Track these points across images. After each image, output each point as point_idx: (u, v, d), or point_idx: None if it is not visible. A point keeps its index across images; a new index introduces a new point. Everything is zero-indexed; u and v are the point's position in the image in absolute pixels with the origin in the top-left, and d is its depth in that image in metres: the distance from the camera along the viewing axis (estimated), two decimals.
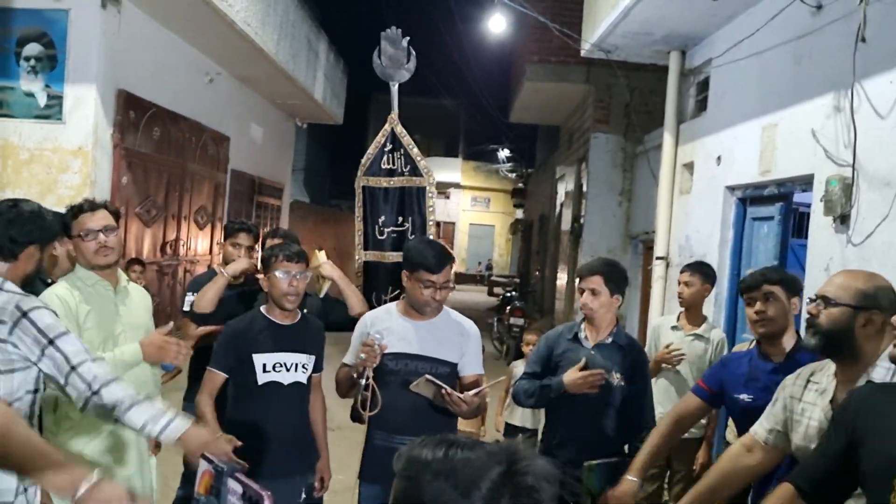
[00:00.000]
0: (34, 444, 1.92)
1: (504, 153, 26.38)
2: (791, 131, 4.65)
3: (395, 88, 4.21)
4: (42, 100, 6.72)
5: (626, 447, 3.22)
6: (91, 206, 2.90)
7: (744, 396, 2.79)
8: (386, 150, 4.09)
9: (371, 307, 3.96)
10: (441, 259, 2.99)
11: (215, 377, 3.03)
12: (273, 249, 3.09)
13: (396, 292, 3.94)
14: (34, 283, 2.50)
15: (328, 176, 26.30)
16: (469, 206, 31.14)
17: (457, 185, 30.28)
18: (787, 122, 4.73)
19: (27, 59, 6.68)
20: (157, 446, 3.16)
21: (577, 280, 3.31)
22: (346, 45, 14.35)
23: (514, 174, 25.86)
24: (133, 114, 7.45)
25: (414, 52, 4.23)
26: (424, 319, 3.08)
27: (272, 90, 11.48)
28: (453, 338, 3.10)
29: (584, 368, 3.09)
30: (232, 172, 10.70)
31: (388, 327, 3.05)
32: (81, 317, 2.75)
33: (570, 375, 3.07)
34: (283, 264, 2.99)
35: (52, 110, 6.72)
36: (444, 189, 30.47)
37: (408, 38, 4.20)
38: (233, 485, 1.33)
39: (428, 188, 4.04)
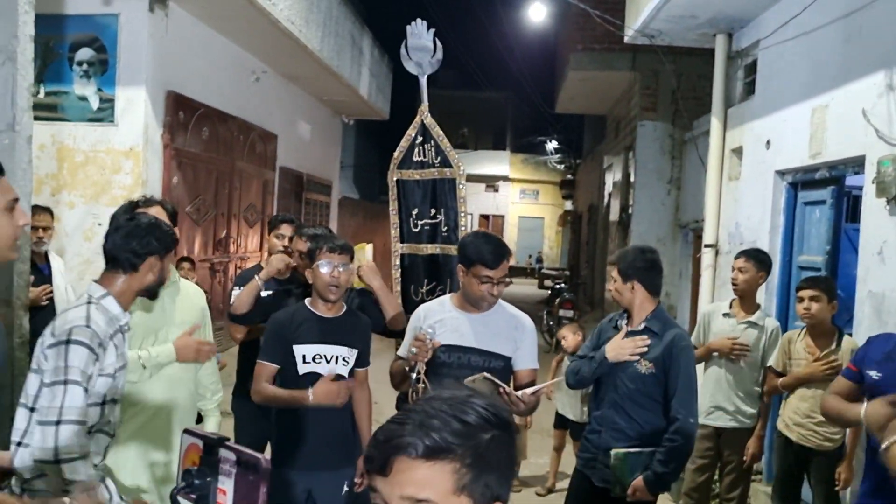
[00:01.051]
0: None
1: (552, 144, 26.20)
2: (842, 112, 4.52)
3: (423, 80, 4.22)
4: (95, 103, 6.91)
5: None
6: (146, 201, 2.96)
7: (873, 373, 2.66)
8: (417, 142, 4.11)
9: (408, 301, 3.99)
10: (498, 254, 2.93)
11: (266, 368, 3.07)
12: (317, 241, 3.12)
13: (433, 284, 3.96)
14: (157, 295, 2.54)
15: (377, 172, 26.47)
16: (518, 198, 31.01)
17: (505, 178, 30.18)
18: (837, 103, 4.59)
19: (80, 63, 6.87)
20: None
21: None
22: (390, 40, 14.39)
23: (562, 165, 25.66)
24: (182, 114, 7.61)
25: (440, 44, 4.22)
26: (478, 312, 3.03)
27: (318, 87, 11.60)
28: (507, 331, 3.04)
29: (608, 364, 3.12)
30: (280, 170, 10.85)
31: (441, 320, 3.03)
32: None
33: (611, 343, 3.10)
34: (327, 255, 3.02)
35: (105, 113, 6.90)
36: (492, 182, 30.42)
37: (433, 30, 4.20)
38: (225, 453, 1.30)
39: (458, 180, 4.03)
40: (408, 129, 4.19)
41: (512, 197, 30.95)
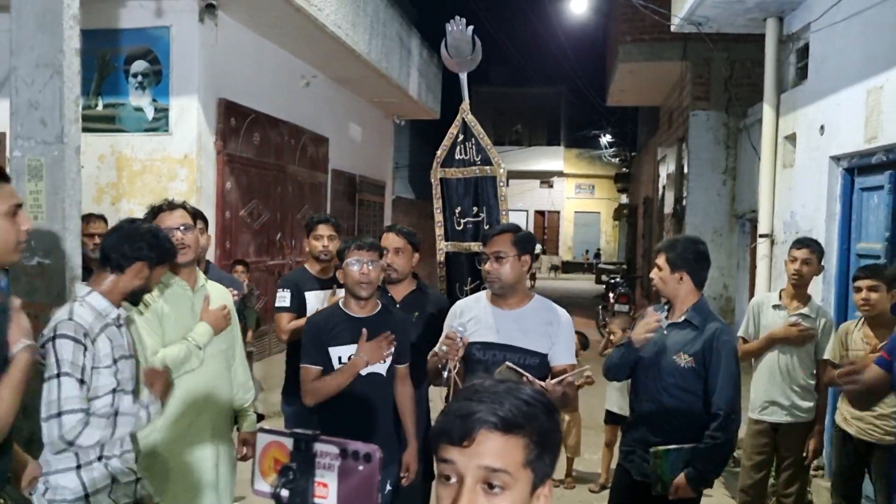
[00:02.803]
0: None
1: (606, 138, 25.90)
2: None
3: (463, 78, 4.22)
4: (150, 113, 7.12)
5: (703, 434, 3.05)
6: (170, 205, 3.03)
7: None
8: (459, 140, 4.13)
9: (453, 298, 4.00)
10: (489, 232, 3.08)
11: (310, 371, 3.09)
12: (346, 241, 3.16)
13: (476, 283, 3.96)
14: (137, 301, 2.63)
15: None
16: (573, 193, 30.76)
17: (560, 174, 29.96)
18: (893, 83, 4.43)
19: (135, 75, 7.09)
20: (245, 447, 3.29)
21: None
22: (439, 40, 14.44)
23: (617, 159, 25.35)
24: (234, 121, 7.78)
25: (479, 42, 4.20)
26: (513, 308, 3.02)
27: (368, 89, 11.70)
28: (541, 327, 3.01)
29: (646, 356, 3.10)
30: (332, 172, 10.98)
31: (475, 316, 3.03)
32: (161, 315, 2.88)
33: (637, 330, 3.07)
34: (355, 253, 3.05)
35: (160, 122, 7.11)
36: (547, 178, 30.24)
37: (472, 27, 4.19)
38: (322, 447, 1.26)
39: (499, 178, 4.03)
40: (449, 128, 4.21)
41: (567, 192, 30.71)
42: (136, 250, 2.45)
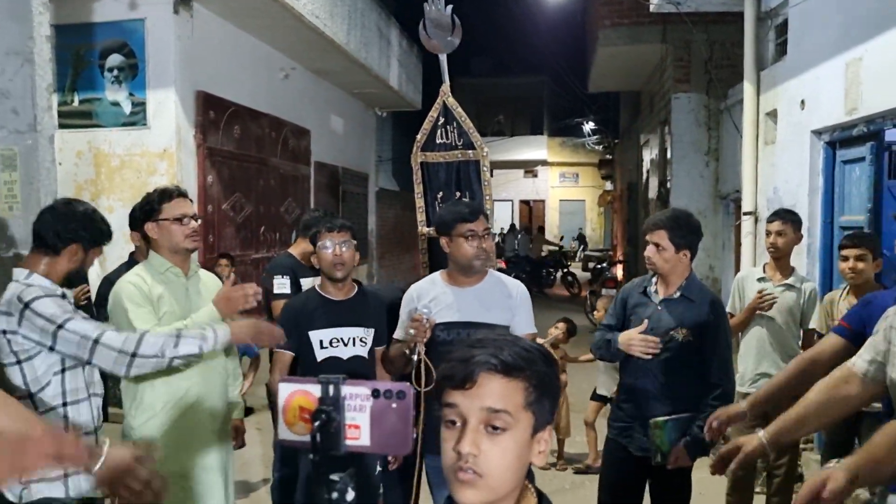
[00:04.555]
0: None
1: (589, 126, 25.89)
2: (877, 64, 4.36)
3: (443, 59, 4.14)
4: (127, 108, 7.02)
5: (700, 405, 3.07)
6: (180, 192, 2.99)
7: None
8: (439, 123, 4.06)
9: None
10: (473, 209, 3.02)
11: (282, 356, 3.09)
12: (317, 226, 3.13)
13: None
14: (76, 282, 2.59)
15: None
16: (558, 182, 30.76)
17: (544, 163, 29.95)
18: (872, 55, 4.43)
19: (110, 69, 6.99)
20: (237, 436, 3.25)
21: (644, 233, 3.19)
22: (417, 30, 14.37)
23: (600, 146, 25.37)
24: (213, 113, 7.70)
25: (458, 21, 4.13)
26: (471, 286, 3.04)
27: (348, 81, 11.62)
28: (501, 300, 3.04)
29: (646, 331, 3.03)
30: (315, 164, 10.91)
31: (434, 297, 3.02)
32: (155, 300, 2.81)
33: (626, 335, 3.02)
34: (326, 236, 3.03)
35: (137, 117, 7.02)
36: (531, 168, 30.22)
37: (451, 6, 4.13)
38: (350, 390, 1.25)
39: (482, 162, 3.98)
40: (430, 112, 4.15)
41: (551, 181, 30.71)
42: (72, 231, 2.41)
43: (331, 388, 1.25)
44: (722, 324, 3.12)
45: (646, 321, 3.04)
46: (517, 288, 3.13)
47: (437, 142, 4.09)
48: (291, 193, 10.00)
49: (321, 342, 3.05)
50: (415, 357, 2.90)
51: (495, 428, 1.18)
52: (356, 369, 3.07)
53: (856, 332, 2.67)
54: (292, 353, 3.07)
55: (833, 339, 2.71)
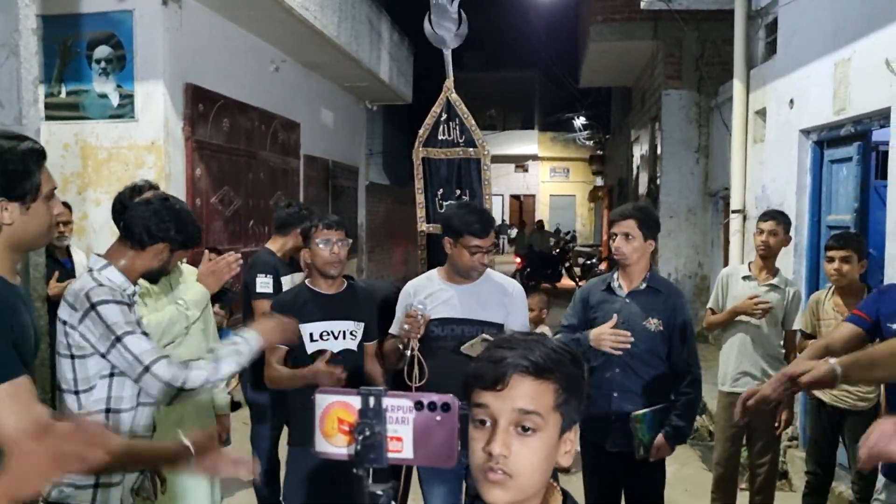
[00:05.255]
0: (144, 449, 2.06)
1: (580, 121, 25.92)
2: (865, 64, 4.37)
3: (448, 54, 4.10)
4: (115, 100, 6.97)
5: (671, 395, 3.15)
6: (150, 186, 2.95)
7: (894, 326, 2.58)
8: (442, 119, 4.04)
9: None
10: (486, 224, 3.00)
11: (276, 350, 3.07)
12: (311, 220, 3.13)
13: None
14: (157, 280, 2.53)
15: (405, 157, 26.43)
16: (548, 177, 30.79)
17: (534, 158, 29.98)
18: (860, 55, 4.45)
19: (98, 61, 6.93)
20: (222, 431, 3.24)
21: (611, 225, 3.22)
22: (409, 23, 14.33)
23: (591, 141, 25.39)
24: (202, 106, 7.65)
25: (465, 17, 4.09)
26: (467, 283, 3.07)
27: (339, 74, 11.58)
28: (497, 298, 3.08)
29: (616, 326, 3.05)
30: (305, 158, 10.86)
31: (431, 294, 3.05)
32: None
33: (596, 331, 3.04)
34: (323, 233, 3.03)
35: (125, 109, 6.96)
36: (521, 162, 30.23)
37: (457, 1, 4.09)
38: (392, 402, 1.23)
39: (483, 160, 3.97)
40: (433, 107, 4.11)
41: (542, 176, 30.74)
42: (163, 230, 2.33)
43: (371, 400, 1.24)
44: (687, 312, 3.22)
45: (616, 316, 3.05)
46: (513, 287, 3.17)
47: (440, 138, 4.07)
48: (281, 187, 9.96)
49: (311, 335, 3.06)
50: (408, 353, 2.92)
51: (525, 429, 1.20)
52: (347, 363, 3.07)
53: (871, 321, 2.69)
54: (284, 346, 3.07)
55: (847, 327, 2.72)
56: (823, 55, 4.93)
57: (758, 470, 4.18)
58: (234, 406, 6.58)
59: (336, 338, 3.07)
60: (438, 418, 1.22)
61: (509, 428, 1.20)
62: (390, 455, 1.22)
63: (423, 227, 4.14)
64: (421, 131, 4.12)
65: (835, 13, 4.82)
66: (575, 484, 3.50)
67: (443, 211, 4.05)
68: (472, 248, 2.96)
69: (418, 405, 1.22)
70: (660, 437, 3.04)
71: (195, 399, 2.90)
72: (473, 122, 4.02)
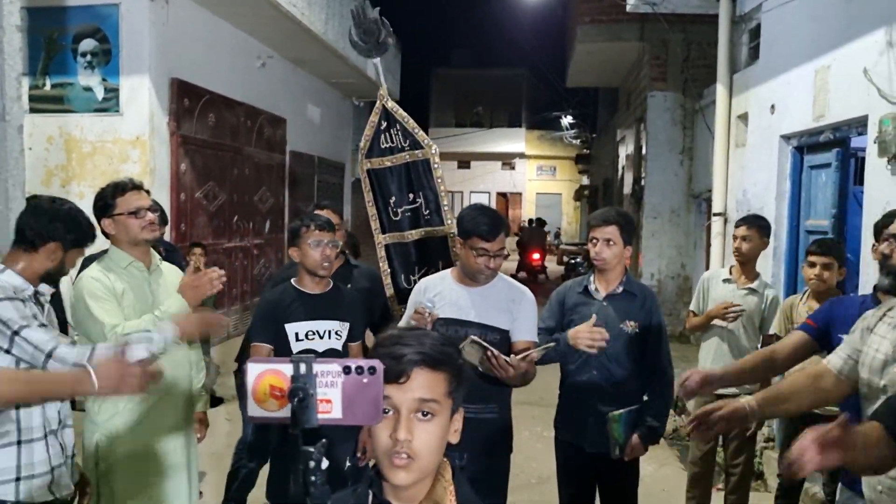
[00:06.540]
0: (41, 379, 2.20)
1: (567, 120, 26.00)
2: (844, 72, 4.44)
3: (378, 63, 4.11)
4: (100, 93, 6.94)
5: (644, 396, 3.21)
6: (134, 184, 2.95)
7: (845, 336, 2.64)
8: (382, 128, 4.01)
9: (400, 292, 3.96)
10: (494, 227, 2.92)
11: (260, 349, 3.08)
12: (302, 220, 3.13)
13: (424, 269, 3.90)
14: (54, 281, 2.53)
15: None
16: (535, 175, 30.87)
17: (521, 155, 30.04)
18: (839, 63, 4.51)
19: (83, 54, 6.90)
20: (200, 428, 3.25)
21: (589, 230, 3.24)
22: (397, 21, 14.32)
23: (578, 140, 25.48)
24: (188, 101, 7.63)
25: (389, 26, 4.10)
26: (478, 286, 3.02)
27: (325, 70, 11.57)
28: (505, 304, 3.02)
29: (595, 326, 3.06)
30: (290, 153, 10.86)
31: (440, 293, 3.02)
32: (119, 295, 2.78)
33: (575, 330, 3.02)
34: (315, 234, 3.04)
35: (110, 103, 6.94)
36: (508, 160, 30.29)
37: (377, 8, 4.10)
38: (321, 367, 1.30)
39: (432, 159, 3.93)
40: (370, 117, 4.08)
41: (529, 174, 30.81)
42: (52, 231, 2.38)
43: (303, 367, 1.30)
44: (661, 314, 3.27)
45: (594, 317, 3.07)
46: (526, 294, 3.09)
47: (382, 146, 4.03)
48: (266, 182, 9.95)
49: (297, 335, 3.07)
50: None
51: (425, 414, 1.34)
52: None
53: (820, 330, 2.75)
54: (269, 345, 3.08)
55: (797, 334, 2.79)
56: (804, 62, 4.99)
57: (732, 470, 4.24)
58: (218, 401, 6.60)
59: (321, 337, 3.09)
60: (365, 381, 1.28)
61: (410, 415, 1.33)
62: (320, 416, 1.29)
63: (379, 238, 4.08)
64: (361, 144, 4.08)
65: (815, 21, 4.88)
66: (547, 487, 3.55)
67: (397, 219, 4.04)
68: (478, 250, 2.91)
69: (346, 369, 1.29)
70: (635, 437, 3.09)
71: (173, 397, 2.93)
72: (414, 123, 3.98)
